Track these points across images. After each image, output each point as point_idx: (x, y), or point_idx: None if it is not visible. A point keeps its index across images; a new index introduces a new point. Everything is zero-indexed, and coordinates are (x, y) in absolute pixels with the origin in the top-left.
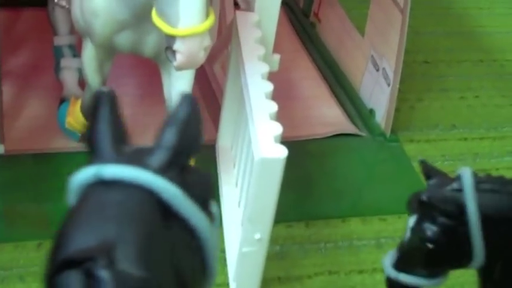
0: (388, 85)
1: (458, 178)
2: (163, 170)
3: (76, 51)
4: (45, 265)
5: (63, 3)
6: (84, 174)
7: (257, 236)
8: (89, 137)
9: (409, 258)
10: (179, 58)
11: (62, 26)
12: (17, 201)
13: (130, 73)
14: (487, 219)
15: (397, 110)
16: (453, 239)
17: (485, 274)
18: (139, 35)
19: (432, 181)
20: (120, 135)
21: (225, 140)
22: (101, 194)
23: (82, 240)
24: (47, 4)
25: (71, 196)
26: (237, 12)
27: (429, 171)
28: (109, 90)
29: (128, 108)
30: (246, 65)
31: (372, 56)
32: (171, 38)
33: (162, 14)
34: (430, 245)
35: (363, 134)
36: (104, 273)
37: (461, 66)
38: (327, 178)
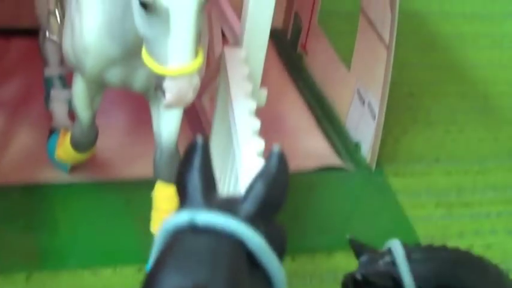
0: (374, 118)
1: (388, 251)
2: (252, 220)
3: (66, 82)
4: None
5: (55, 38)
6: (178, 219)
7: None
8: (181, 183)
9: None
10: (168, 97)
11: (52, 57)
12: (6, 233)
13: (120, 105)
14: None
15: (382, 142)
16: None
17: None
18: (129, 70)
19: (363, 258)
20: (210, 184)
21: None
22: (194, 239)
23: (176, 281)
24: (39, 35)
25: (160, 239)
26: (225, 48)
27: (358, 249)
28: (202, 138)
29: (116, 139)
30: (234, 102)
31: (358, 90)
32: (161, 77)
33: (151, 53)
34: None
35: (349, 167)
36: None
37: (446, 99)
38: (313, 212)
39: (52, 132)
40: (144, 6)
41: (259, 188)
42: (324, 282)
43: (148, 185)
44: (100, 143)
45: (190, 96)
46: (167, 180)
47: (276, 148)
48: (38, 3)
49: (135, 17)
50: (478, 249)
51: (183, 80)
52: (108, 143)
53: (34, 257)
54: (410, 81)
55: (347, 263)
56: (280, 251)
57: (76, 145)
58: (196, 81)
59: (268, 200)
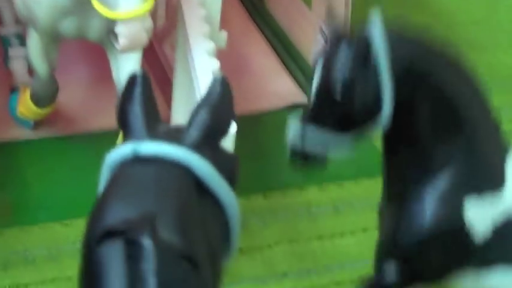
0: None
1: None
2: (197, 148)
3: (24, 40)
4: (84, 236)
5: None
6: (121, 151)
7: None
8: (122, 117)
9: (318, 107)
10: (122, 41)
11: (6, 15)
12: None
13: (80, 59)
14: (397, 62)
15: None
16: (364, 73)
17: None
18: (83, 19)
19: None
20: (153, 115)
21: (178, 119)
22: (139, 170)
23: (123, 212)
24: None
25: (105, 172)
26: None
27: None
28: (142, 71)
29: (79, 93)
30: (191, 44)
31: (320, 28)
32: (113, 22)
33: None
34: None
35: None
36: (147, 242)
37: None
38: (283, 149)
39: (13, 90)
40: None
41: (203, 115)
42: (297, 216)
43: (116, 136)
44: (63, 97)
45: (143, 38)
46: None
47: (218, 75)
48: None
49: None
50: None
51: (135, 22)
52: (72, 97)
53: (4, 214)
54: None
55: (319, 196)
56: (231, 178)
57: (36, 100)
58: (148, 23)
59: (213, 126)
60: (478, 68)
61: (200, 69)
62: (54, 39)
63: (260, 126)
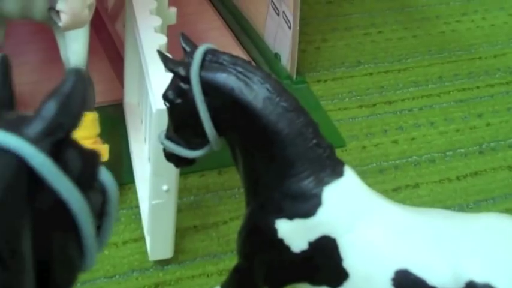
0: (289, 28)
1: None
2: (36, 139)
3: None
4: None
5: None
6: None
7: (164, 187)
8: None
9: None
10: (63, 18)
11: None
12: None
13: (29, 40)
14: (208, 88)
15: (303, 51)
16: (186, 104)
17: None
18: None
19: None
20: (5, 101)
21: (131, 97)
22: None
23: None
24: None
25: None
26: None
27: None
28: (1, 56)
29: (30, 75)
30: (138, 20)
31: (272, 1)
32: (54, 0)
33: None
34: (165, 103)
35: None
36: None
37: (364, 2)
38: None
39: None
40: None
41: (50, 107)
42: None
43: None
44: (15, 80)
45: (85, 15)
46: None
47: (74, 68)
48: None
49: None
50: (402, 143)
51: None
52: (24, 80)
53: None
54: None
55: None
56: (84, 174)
57: None
58: (90, 0)
59: (58, 120)
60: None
61: (147, 45)
62: None
63: None
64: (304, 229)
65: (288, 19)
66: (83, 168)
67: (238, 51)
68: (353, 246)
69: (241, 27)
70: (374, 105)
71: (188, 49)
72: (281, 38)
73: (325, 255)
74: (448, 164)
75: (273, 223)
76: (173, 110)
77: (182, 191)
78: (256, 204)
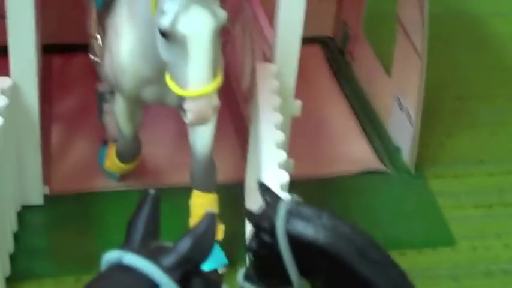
0: (412, 125)
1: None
2: (169, 269)
3: None
4: None
5: (97, 59)
6: (111, 256)
7: None
8: (127, 228)
9: (251, 268)
10: (189, 116)
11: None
12: (59, 239)
13: (164, 120)
14: (294, 241)
15: (426, 145)
16: (270, 255)
17: None
18: (162, 88)
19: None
20: (151, 233)
21: (251, 181)
22: (117, 274)
23: None
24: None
25: (102, 265)
26: (257, 63)
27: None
28: (154, 192)
29: (162, 149)
30: (260, 116)
31: (398, 97)
32: (182, 98)
33: (173, 77)
34: (251, 255)
35: (389, 171)
36: None
37: (495, 101)
38: (351, 215)
39: (104, 143)
40: (164, 35)
41: (184, 244)
42: None
43: (189, 192)
44: (147, 153)
45: (209, 115)
46: (203, 189)
47: (209, 211)
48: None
49: (158, 44)
50: None
51: (203, 100)
52: (155, 153)
53: (84, 261)
54: (459, 82)
55: None
56: None
57: (121, 157)
58: (215, 101)
59: (190, 255)
60: None
61: (264, 141)
62: (137, 103)
63: (330, 190)
64: None
65: (410, 116)
66: None
67: (361, 140)
68: None
69: (367, 117)
70: (490, 206)
71: (269, 200)
72: (404, 133)
73: None
74: None
75: None
76: (257, 258)
77: None
78: None
